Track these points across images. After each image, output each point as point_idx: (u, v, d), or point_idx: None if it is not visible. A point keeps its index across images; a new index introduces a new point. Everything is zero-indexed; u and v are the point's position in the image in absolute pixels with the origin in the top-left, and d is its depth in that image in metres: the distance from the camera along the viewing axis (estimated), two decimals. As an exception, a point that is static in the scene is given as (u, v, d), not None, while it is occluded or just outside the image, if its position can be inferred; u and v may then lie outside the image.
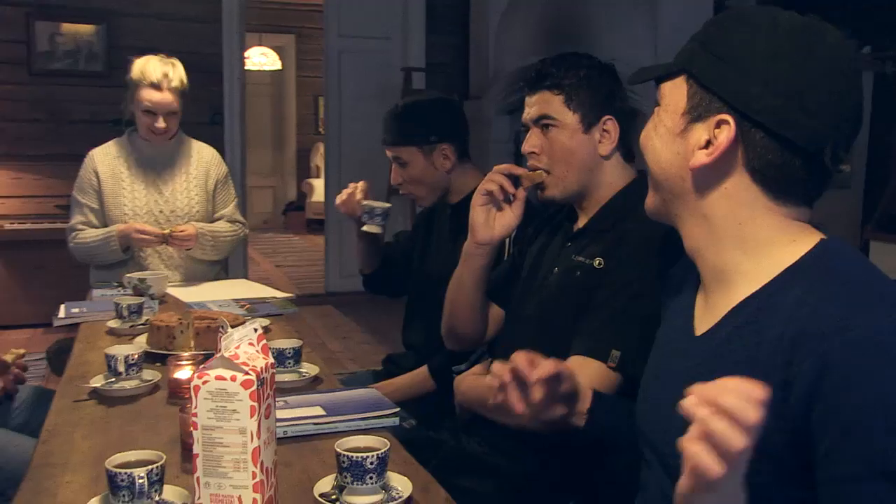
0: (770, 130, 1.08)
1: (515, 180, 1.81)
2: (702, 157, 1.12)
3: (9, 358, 2.46)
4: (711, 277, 1.17)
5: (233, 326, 1.21)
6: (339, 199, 2.56)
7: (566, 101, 1.78)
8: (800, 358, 0.97)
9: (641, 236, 1.64)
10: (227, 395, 1.12)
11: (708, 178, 1.13)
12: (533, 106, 1.82)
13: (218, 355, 1.15)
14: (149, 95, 2.98)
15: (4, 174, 5.78)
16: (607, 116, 1.78)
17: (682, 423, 1.09)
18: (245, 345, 1.18)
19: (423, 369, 2.40)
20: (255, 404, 1.12)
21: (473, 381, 1.92)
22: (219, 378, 1.13)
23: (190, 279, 3.12)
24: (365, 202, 2.53)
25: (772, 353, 1.00)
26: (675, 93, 1.16)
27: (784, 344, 0.99)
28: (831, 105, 1.08)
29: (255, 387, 1.12)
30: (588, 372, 1.60)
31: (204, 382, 1.13)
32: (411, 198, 2.56)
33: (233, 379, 1.12)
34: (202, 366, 1.16)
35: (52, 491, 1.36)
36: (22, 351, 2.51)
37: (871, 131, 5.07)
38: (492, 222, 1.83)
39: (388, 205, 2.54)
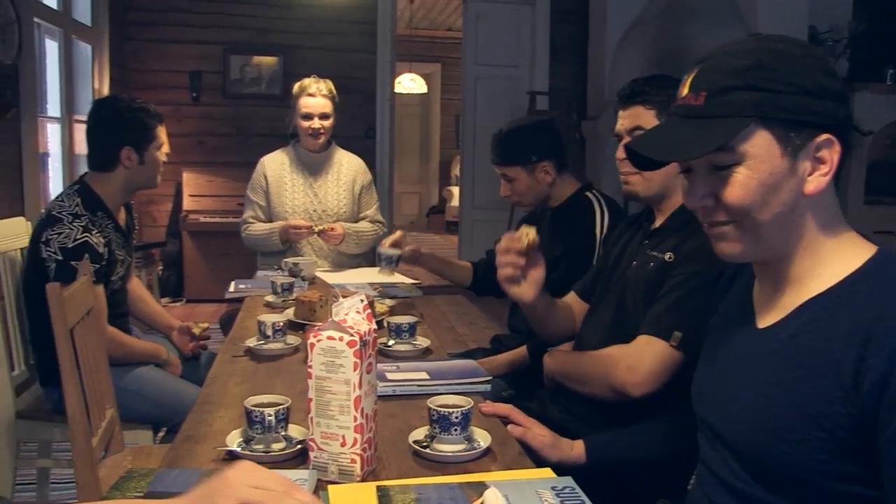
0: (844, 132, 1.07)
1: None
2: (819, 182, 1.06)
3: (196, 330, 2.65)
4: (782, 280, 1.12)
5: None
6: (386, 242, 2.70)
7: (657, 115, 1.78)
8: (872, 352, 0.95)
9: (706, 235, 1.63)
10: (336, 352, 1.20)
11: (817, 196, 1.08)
12: (626, 118, 1.82)
13: (330, 320, 1.22)
14: (306, 102, 3.16)
15: (201, 178, 6.15)
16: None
17: (739, 405, 1.10)
18: (353, 312, 1.25)
19: (523, 349, 2.43)
20: (358, 361, 1.19)
21: (559, 357, 1.94)
22: (329, 338, 1.20)
23: (336, 266, 3.25)
24: (380, 250, 2.62)
25: (843, 348, 0.98)
26: (757, 143, 1.05)
27: (856, 340, 0.97)
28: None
29: (358, 346, 1.19)
30: (653, 350, 1.62)
31: (318, 341, 1.21)
32: (517, 206, 2.59)
33: (340, 339, 1.19)
34: (317, 327, 1.23)
35: (208, 422, 1.48)
36: (205, 324, 2.71)
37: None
38: (526, 286, 1.77)
39: (397, 252, 2.62)
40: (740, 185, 1.06)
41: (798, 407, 1.01)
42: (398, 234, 2.73)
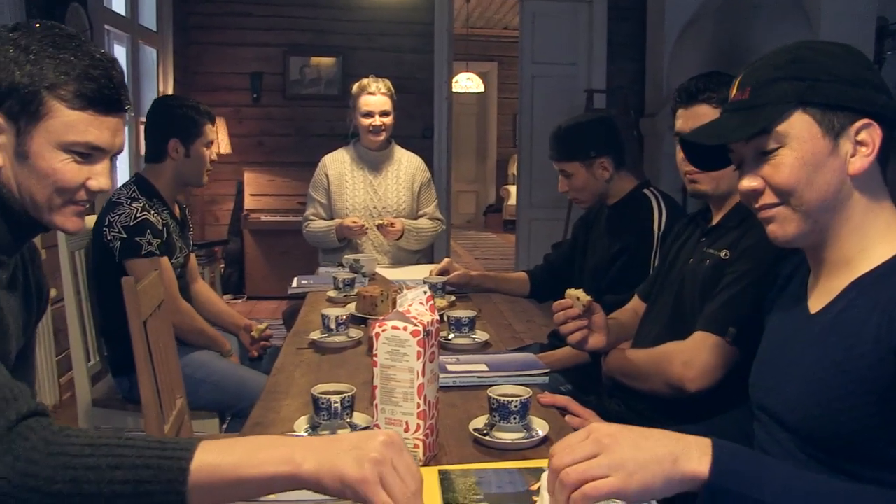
0: (887, 118, 1.11)
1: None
2: (862, 162, 1.11)
3: (254, 333, 2.75)
4: (832, 265, 1.16)
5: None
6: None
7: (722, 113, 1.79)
8: None
9: (762, 231, 1.64)
10: (400, 341, 1.25)
11: (862, 178, 1.12)
12: (689, 118, 1.82)
13: (394, 310, 1.28)
14: (366, 100, 3.26)
15: (262, 177, 6.29)
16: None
17: (795, 386, 1.13)
18: (416, 304, 1.30)
19: (581, 345, 2.45)
20: (421, 350, 1.24)
21: (617, 354, 1.96)
22: (394, 328, 1.25)
23: (395, 263, 3.32)
24: (426, 279, 2.66)
25: (887, 312, 1.02)
26: (798, 125, 1.11)
27: None
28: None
29: (421, 336, 1.24)
30: (708, 345, 1.64)
31: (383, 331, 1.26)
32: (575, 202, 2.61)
33: (405, 329, 1.25)
34: (382, 318, 1.29)
35: (276, 409, 1.55)
36: (264, 325, 2.80)
37: None
38: (597, 337, 1.79)
39: (441, 279, 2.66)
40: (786, 166, 1.12)
41: (849, 376, 1.04)
42: (445, 262, 2.78)
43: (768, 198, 1.16)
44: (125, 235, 2.35)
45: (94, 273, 2.46)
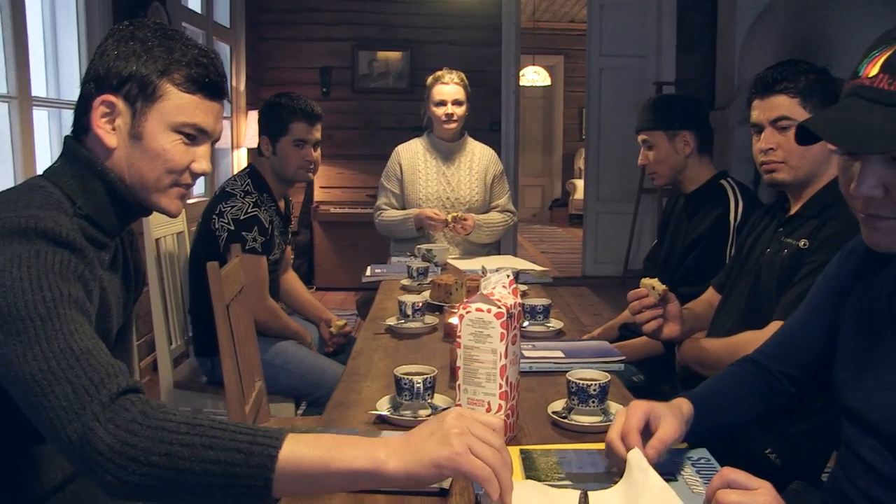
0: None
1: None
2: None
3: (333, 329, 2.82)
4: None
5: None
6: None
7: (802, 102, 1.77)
8: None
9: (842, 221, 1.63)
10: (484, 322, 1.28)
11: None
12: (767, 109, 1.81)
13: (478, 293, 1.31)
14: (439, 89, 3.30)
15: (331, 170, 6.40)
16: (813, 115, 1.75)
17: (893, 395, 1.10)
18: (499, 287, 1.33)
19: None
20: (504, 331, 1.27)
21: (691, 344, 1.96)
22: (478, 310, 1.28)
23: (466, 254, 3.35)
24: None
25: None
26: None
27: None
28: None
29: (504, 318, 1.27)
30: None
31: (467, 313, 1.29)
32: (653, 177, 2.59)
33: (488, 311, 1.28)
34: (467, 300, 1.32)
35: (357, 391, 1.60)
36: (342, 322, 2.87)
37: None
38: (671, 326, 1.81)
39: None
40: None
41: None
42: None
43: (885, 210, 1.02)
44: (233, 228, 2.44)
45: (194, 259, 2.56)
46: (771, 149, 1.82)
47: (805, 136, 1.07)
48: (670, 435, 1.14)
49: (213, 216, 2.47)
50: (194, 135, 1.26)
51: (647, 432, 1.15)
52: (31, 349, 0.97)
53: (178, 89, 1.23)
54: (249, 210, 2.47)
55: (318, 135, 2.68)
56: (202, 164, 1.28)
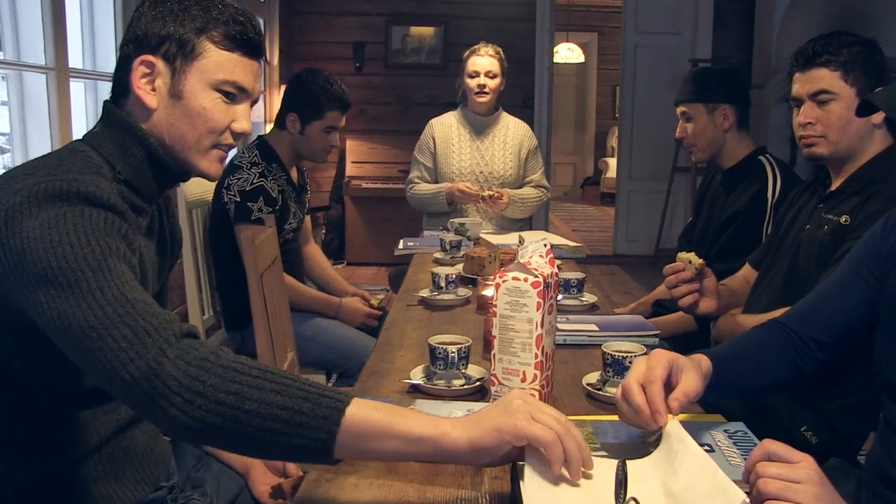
0: None
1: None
2: None
3: (374, 301, 2.83)
4: None
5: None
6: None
7: (843, 76, 1.74)
8: None
9: (886, 197, 1.60)
10: (520, 291, 1.27)
11: None
12: (808, 82, 1.78)
13: (515, 262, 1.30)
14: (473, 61, 3.29)
15: (364, 145, 6.40)
16: (881, 88, 1.71)
17: None
18: (536, 256, 1.31)
19: (688, 312, 2.43)
20: (541, 301, 1.26)
21: (726, 320, 1.94)
22: (515, 278, 1.27)
23: (499, 229, 3.33)
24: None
25: None
26: None
27: None
28: None
29: (541, 287, 1.25)
30: None
31: (504, 281, 1.28)
32: (690, 150, 2.55)
33: (525, 280, 1.26)
34: (503, 268, 1.31)
35: (391, 360, 1.60)
36: (381, 297, 2.88)
37: None
38: (707, 301, 1.81)
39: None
40: None
41: None
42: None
43: None
44: (239, 199, 2.44)
45: (212, 232, 2.57)
46: (810, 123, 1.78)
47: (865, 108, 1.08)
48: (694, 388, 1.10)
49: (223, 189, 2.47)
50: (234, 93, 1.25)
51: (667, 385, 1.10)
52: (85, 299, 0.97)
53: (217, 47, 1.22)
54: (255, 181, 2.46)
55: (344, 121, 2.68)
56: (242, 123, 1.28)
